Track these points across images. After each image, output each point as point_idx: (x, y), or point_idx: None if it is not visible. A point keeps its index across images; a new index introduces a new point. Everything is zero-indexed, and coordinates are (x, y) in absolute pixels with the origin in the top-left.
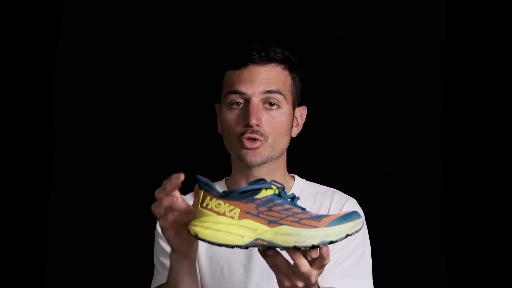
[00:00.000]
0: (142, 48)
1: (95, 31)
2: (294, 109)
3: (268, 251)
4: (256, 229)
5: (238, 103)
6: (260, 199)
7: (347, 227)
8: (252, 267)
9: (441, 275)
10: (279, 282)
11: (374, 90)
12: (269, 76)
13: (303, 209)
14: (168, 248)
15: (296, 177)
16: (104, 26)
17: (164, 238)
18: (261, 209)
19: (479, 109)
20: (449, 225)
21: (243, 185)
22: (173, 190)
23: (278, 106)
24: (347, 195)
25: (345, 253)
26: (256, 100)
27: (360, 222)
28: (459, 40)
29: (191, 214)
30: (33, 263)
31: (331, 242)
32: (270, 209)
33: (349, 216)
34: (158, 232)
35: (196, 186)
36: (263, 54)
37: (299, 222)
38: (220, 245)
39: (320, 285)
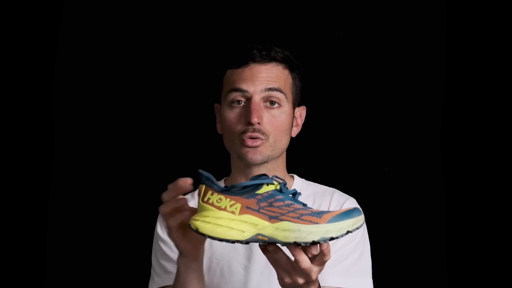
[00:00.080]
0: (142, 48)
1: (95, 31)
2: (294, 108)
3: (268, 246)
4: (257, 225)
5: (239, 102)
6: (261, 194)
7: (348, 223)
8: (252, 267)
9: (441, 275)
10: (280, 278)
11: (374, 90)
12: (270, 74)
13: (304, 205)
14: (169, 252)
15: (296, 176)
16: (104, 26)
17: (165, 242)
18: (262, 204)
19: (479, 109)
20: (449, 225)
21: None
22: (182, 193)
23: (279, 105)
24: (346, 195)
25: (345, 252)
26: (257, 99)
27: (361, 218)
28: (459, 40)
29: None
30: (33, 263)
31: (332, 239)
32: (271, 205)
33: (350, 212)
34: (158, 235)
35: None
36: (264, 53)
37: (300, 218)
38: (220, 240)
39: (320, 284)
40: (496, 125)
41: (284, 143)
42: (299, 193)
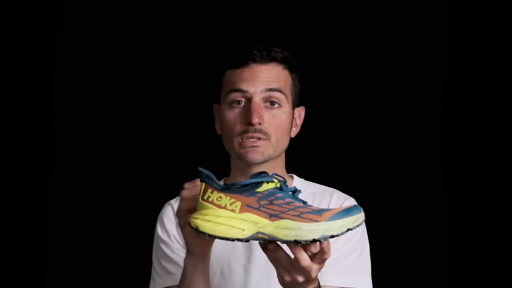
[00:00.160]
0: (142, 48)
1: (95, 31)
2: (293, 109)
3: (269, 244)
4: (257, 223)
5: (239, 102)
6: (261, 192)
7: (348, 221)
8: (252, 267)
9: (441, 275)
10: (280, 276)
11: (374, 90)
12: (271, 74)
13: (305, 203)
14: (170, 253)
15: (295, 176)
16: (104, 26)
17: (166, 243)
18: (262, 202)
19: (479, 109)
20: (449, 225)
21: None
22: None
23: (279, 105)
24: (346, 195)
25: (344, 251)
26: (257, 99)
27: (361, 216)
28: (459, 40)
29: None
30: (33, 263)
31: (332, 236)
32: (271, 203)
33: (351, 210)
34: (159, 236)
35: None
36: (264, 53)
37: (300, 216)
38: (220, 238)
39: (319, 283)
40: (496, 125)
41: (285, 143)
42: (299, 191)
